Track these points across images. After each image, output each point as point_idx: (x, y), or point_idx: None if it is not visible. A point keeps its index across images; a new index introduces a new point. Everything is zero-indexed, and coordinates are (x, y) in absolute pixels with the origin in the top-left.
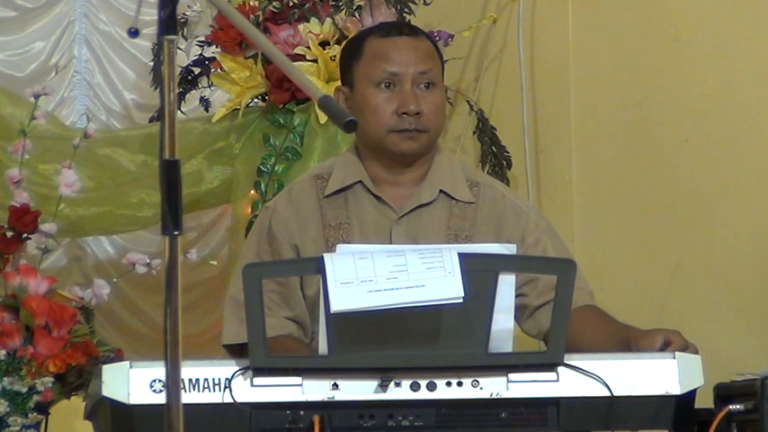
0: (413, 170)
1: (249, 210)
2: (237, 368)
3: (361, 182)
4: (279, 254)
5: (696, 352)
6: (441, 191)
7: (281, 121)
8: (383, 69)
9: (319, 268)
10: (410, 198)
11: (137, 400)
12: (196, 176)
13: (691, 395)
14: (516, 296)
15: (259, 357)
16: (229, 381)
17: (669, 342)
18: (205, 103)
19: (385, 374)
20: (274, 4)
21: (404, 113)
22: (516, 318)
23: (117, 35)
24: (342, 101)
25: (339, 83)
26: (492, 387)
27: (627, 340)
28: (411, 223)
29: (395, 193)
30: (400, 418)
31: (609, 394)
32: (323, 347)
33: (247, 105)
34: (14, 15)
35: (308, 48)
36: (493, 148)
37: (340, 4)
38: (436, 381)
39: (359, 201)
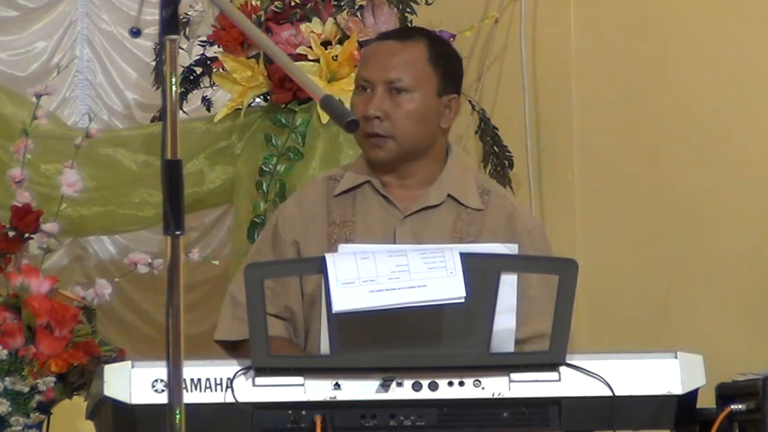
0: (420, 173)
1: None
2: (239, 368)
3: (369, 182)
4: (281, 252)
5: None
6: (449, 195)
7: (283, 121)
8: (360, 75)
9: (321, 268)
10: (417, 199)
11: (138, 400)
12: (198, 176)
13: (692, 395)
14: None
15: (261, 357)
16: (231, 381)
17: None
18: (207, 102)
19: (387, 374)
20: (276, 3)
21: (365, 117)
22: None
23: (119, 35)
24: None
25: (340, 83)
26: (494, 387)
27: None
28: (416, 223)
29: (402, 194)
30: (402, 417)
31: (611, 394)
32: (324, 347)
33: (249, 105)
34: (16, 15)
35: (310, 47)
36: (495, 147)
37: (342, 3)
38: (438, 380)
39: (366, 200)
